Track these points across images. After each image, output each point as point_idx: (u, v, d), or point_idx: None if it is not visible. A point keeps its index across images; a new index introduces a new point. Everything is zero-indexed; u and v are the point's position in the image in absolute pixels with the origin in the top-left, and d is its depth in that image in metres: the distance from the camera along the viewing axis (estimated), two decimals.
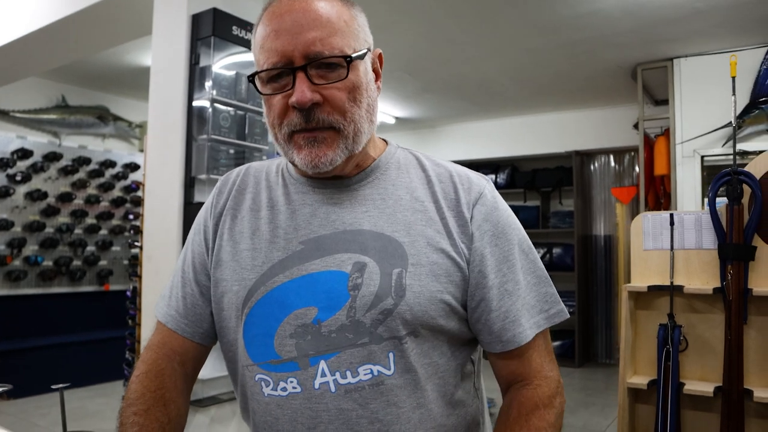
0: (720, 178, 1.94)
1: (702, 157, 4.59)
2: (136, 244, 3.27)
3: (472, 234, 0.96)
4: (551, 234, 6.69)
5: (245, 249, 1.00)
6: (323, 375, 0.91)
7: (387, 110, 6.61)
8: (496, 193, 1.03)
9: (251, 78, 0.95)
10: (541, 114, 6.76)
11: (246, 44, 2.82)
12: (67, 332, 5.52)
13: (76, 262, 5.73)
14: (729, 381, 1.90)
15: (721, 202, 1.99)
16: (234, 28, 2.77)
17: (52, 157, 5.58)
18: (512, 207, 1.13)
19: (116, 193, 6.05)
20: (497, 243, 0.97)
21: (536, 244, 6.34)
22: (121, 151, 6.20)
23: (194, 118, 2.69)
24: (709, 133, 4.46)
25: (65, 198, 5.64)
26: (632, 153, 6.54)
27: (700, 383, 1.97)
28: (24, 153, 5.37)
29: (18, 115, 5.59)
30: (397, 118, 6.96)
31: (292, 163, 0.98)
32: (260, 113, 2.89)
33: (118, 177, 6.05)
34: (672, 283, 1.99)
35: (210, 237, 1.05)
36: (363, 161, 1.01)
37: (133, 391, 0.97)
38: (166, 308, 1.06)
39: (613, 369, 6.37)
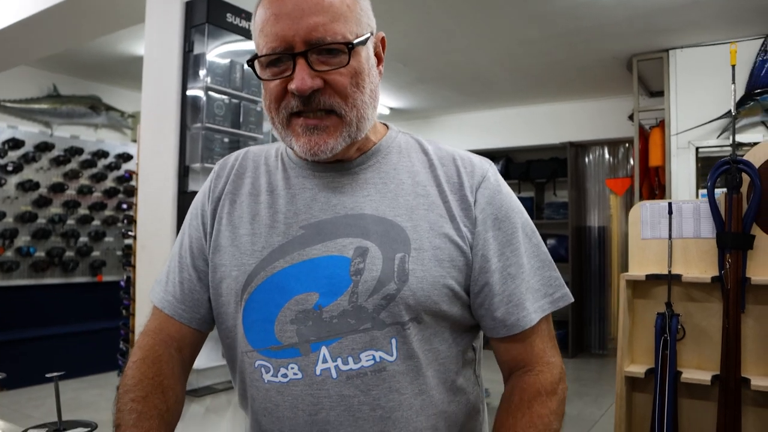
0: (719, 167, 1.94)
1: (697, 148, 4.59)
2: (129, 233, 3.24)
3: (476, 218, 0.95)
4: (545, 225, 6.70)
5: (244, 234, 0.98)
6: (324, 361, 0.89)
7: (381, 101, 6.59)
8: (499, 176, 1.01)
9: (250, 62, 0.93)
10: (535, 105, 6.75)
11: (241, 32, 2.79)
12: (60, 323, 5.49)
13: (69, 253, 5.69)
14: (726, 369, 1.90)
15: (718, 192, 1.99)
16: (228, 15, 2.74)
17: (44, 147, 5.53)
18: None
19: (109, 183, 6.00)
20: (500, 227, 0.96)
21: None
22: (113, 141, 6.15)
23: (188, 107, 2.66)
24: (704, 124, 4.46)
25: (57, 188, 5.60)
26: (627, 144, 6.54)
27: (698, 372, 1.97)
28: (15, 143, 5.32)
29: (9, 104, 5.53)
30: (391, 108, 6.93)
31: (291, 148, 0.96)
32: (255, 102, 2.87)
33: (110, 167, 6.00)
34: (670, 272, 1.99)
35: (208, 222, 1.03)
36: (364, 145, 0.99)
37: (130, 378, 0.95)
38: (162, 293, 1.04)
39: (606, 359, 6.41)
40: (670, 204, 2.02)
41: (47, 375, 1.33)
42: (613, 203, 6.80)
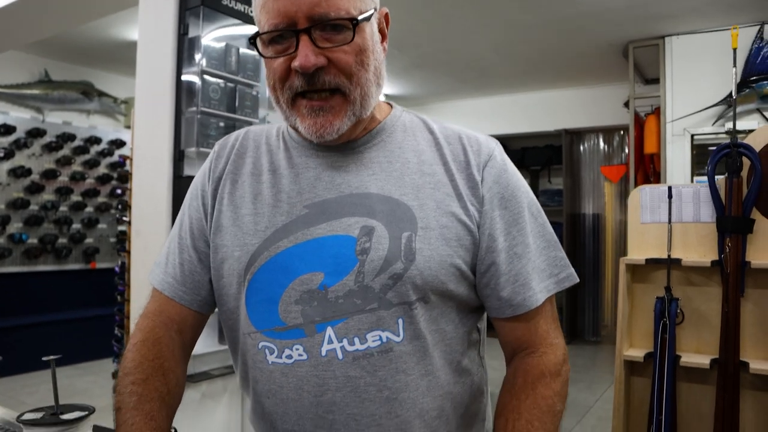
0: (720, 151, 1.93)
1: (692, 135, 4.59)
2: (124, 219, 3.21)
3: (483, 197, 0.93)
4: None
5: (247, 214, 0.96)
6: (330, 342, 0.88)
7: None
8: (505, 155, 1.00)
9: (252, 39, 0.91)
10: (530, 92, 6.73)
11: (236, 15, 2.76)
12: (54, 310, 5.46)
13: (62, 240, 5.65)
14: (725, 353, 1.90)
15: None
16: None
17: (36, 133, 5.47)
18: None
19: (102, 170, 5.95)
20: (507, 206, 0.95)
21: None
22: (106, 128, 6.09)
23: (183, 91, 2.63)
24: (700, 111, 4.46)
25: (50, 175, 5.54)
26: (622, 132, 6.54)
27: (696, 356, 1.98)
28: (6, 129, 5.26)
29: (0, 90, 5.47)
30: (386, 95, 6.90)
31: (295, 128, 0.94)
32: (251, 86, 2.84)
33: (103, 154, 5.95)
34: (669, 256, 1.99)
35: (209, 202, 1.01)
36: (369, 124, 0.98)
37: (130, 360, 0.94)
38: (162, 275, 1.03)
39: (599, 346, 6.44)
40: (669, 188, 2.02)
41: (44, 358, 1.31)
42: (608, 191, 6.80)
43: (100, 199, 5.93)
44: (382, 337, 0.88)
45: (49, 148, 5.55)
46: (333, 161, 0.95)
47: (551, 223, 1.03)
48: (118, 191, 3.47)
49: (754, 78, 4.31)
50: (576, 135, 6.79)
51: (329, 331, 0.88)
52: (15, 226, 5.33)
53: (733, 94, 2.20)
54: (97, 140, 5.90)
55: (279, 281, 0.91)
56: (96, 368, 5.19)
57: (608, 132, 6.70)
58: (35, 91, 5.64)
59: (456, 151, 0.96)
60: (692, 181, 4.59)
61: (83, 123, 5.95)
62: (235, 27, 2.79)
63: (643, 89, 5.38)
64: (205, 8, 2.64)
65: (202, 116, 2.62)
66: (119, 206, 3.38)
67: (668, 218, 2.00)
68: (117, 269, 3.37)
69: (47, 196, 5.55)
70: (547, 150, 6.79)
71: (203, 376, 2.62)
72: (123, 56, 5.32)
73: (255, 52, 2.84)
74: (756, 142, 1.89)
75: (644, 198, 2.04)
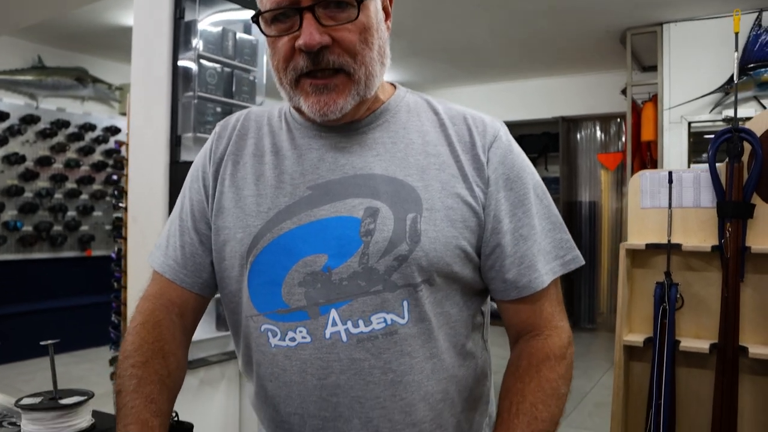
0: (721, 136, 1.93)
1: (689, 123, 4.58)
2: (120, 205, 3.19)
3: (488, 178, 0.92)
4: None
5: (249, 195, 0.95)
6: (334, 324, 0.87)
7: None
8: (510, 136, 0.99)
9: (255, 18, 0.89)
10: (527, 79, 6.70)
11: None
12: (49, 298, 5.45)
13: (57, 228, 5.62)
14: (724, 338, 1.91)
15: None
16: None
17: (30, 119, 5.43)
18: None
19: (97, 157, 5.92)
20: (512, 187, 0.94)
21: None
22: (100, 115, 6.05)
23: (179, 75, 2.60)
24: (697, 98, 4.45)
25: (44, 162, 5.50)
26: (619, 119, 6.53)
27: (695, 341, 1.98)
28: (0, 115, 5.22)
29: None
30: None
31: (297, 109, 0.93)
32: (248, 71, 2.82)
33: (98, 141, 5.91)
34: (669, 241, 1.98)
35: (210, 184, 1.00)
36: (373, 105, 0.96)
37: (130, 343, 0.93)
38: (163, 257, 1.01)
39: (595, 333, 6.47)
40: (670, 173, 2.01)
41: (42, 342, 1.29)
42: (604, 179, 6.81)
43: (95, 187, 5.90)
44: (386, 319, 0.87)
45: (43, 134, 5.52)
46: (336, 142, 0.94)
47: None
48: (114, 177, 3.44)
49: (752, 65, 4.30)
50: (573, 123, 6.78)
51: (333, 313, 0.87)
52: (9, 214, 5.31)
53: (735, 78, 2.19)
54: (91, 127, 5.86)
55: (282, 263, 0.90)
56: (92, 356, 5.18)
57: (605, 120, 6.69)
58: (28, 78, 5.58)
59: (461, 131, 0.95)
60: (689, 168, 4.59)
61: (77, 110, 5.90)
62: (232, 11, 2.77)
63: (640, 76, 5.36)
64: None
65: (199, 101, 2.59)
66: (115, 193, 3.35)
67: (668, 203, 2.00)
68: (113, 256, 3.35)
69: (42, 183, 5.52)
70: (543, 137, 6.78)
71: (201, 363, 2.62)
72: (118, 42, 5.26)
73: (252, 37, 2.83)
74: (757, 127, 1.89)
75: (644, 183, 2.04)
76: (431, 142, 0.94)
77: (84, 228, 5.82)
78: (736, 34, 2.21)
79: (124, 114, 5.72)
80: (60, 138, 5.65)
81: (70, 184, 5.71)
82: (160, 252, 1.02)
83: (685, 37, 4.61)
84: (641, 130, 4.87)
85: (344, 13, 0.85)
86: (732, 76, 4.31)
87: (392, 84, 1.03)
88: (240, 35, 2.78)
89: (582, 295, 6.72)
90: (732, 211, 1.86)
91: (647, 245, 2.02)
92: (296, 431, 0.93)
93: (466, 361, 0.96)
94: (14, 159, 5.29)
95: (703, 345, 1.95)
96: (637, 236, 2.05)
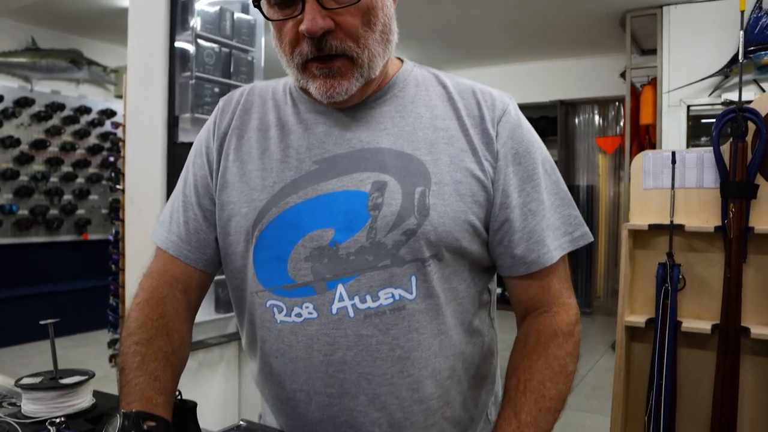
0: (725, 115, 1.91)
1: (688, 106, 4.57)
2: (117, 187, 3.16)
3: (497, 152, 0.91)
4: None
5: (254, 169, 0.93)
6: (341, 299, 0.86)
7: None
8: (519, 110, 0.97)
9: (256, 2, 0.87)
10: (525, 62, 6.67)
11: None
12: (46, 282, 5.43)
13: (53, 211, 5.58)
14: (726, 319, 1.91)
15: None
16: None
17: (24, 102, 5.37)
18: None
19: (92, 140, 5.87)
20: (521, 162, 0.92)
21: None
22: (96, 97, 5.99)
23: (176, 55, 2.57)
24: (697, 81, 4.43)
25: (39, 145, 5.46)
26: (617, 103, 6.51)
27: (697, 321, 1.98)
28: None
29: None
30: None
31: (305, 89, 0.91)
32: (246, 51, 2.79)
33: (93, 124, 5.86)
34: (672, 221, 1.98)
35: (213, 158, 0.98)
36: (382, 82, 0.94)
37: (133, 320, 0.91)
38: (166, 234, 1.00)
39: (592, 317, 6.49)
40: (673, 153, 2.00)
41: (41, 322, 1.28)
42: (602, 163, 6.80)
43: (91, 170, 5.86)
44: (394, 294, 0.86)
45: (38, 117, 5.47)
46: (343, 116, 0.92)
47: None
48: (111, 159, 3.41)
49: (752, 48, 4.28)
50: (571, 106, 6.75)
51: (340, 288, 0.86)
52: (5, 197, 5.27)
53: (740, 57, 2.17)
54: (86, 110, 5.81)
55: (288, 238, 0.88)
56: (90, 339, 5.18)
57: (603, 103, 6.66)
58: (22, 60, 5.52)
59: (470, 105, 0.94)
60: None
61: (72, 92, 5.85)
62: None
63: (639, 60, 5.34)
64: None
65: (197, 82, 2.57)
66: (112, 174, 3.32)
67: (671, 184, 1.98)
68: (111, 238, 3.33)
69: (37, 166, 5.47)
70: (541, 121, 6.75)
71: (200, 345, 2.61)
72: (113, 24, 5.21)
73: (250, 17, 2.79)
74: (762, 107, 1.87)
75: (647, 164, 2.02)
76: (440, 116, 0.92)
77: (80, 212, 5.79)
78: (742, 12, 2.19)
79: (119, 97, 5.67)
80: (55, 121, 5.60)
81: (66, 168, 5.67)
82: (163, 228, 1.01)
83: (685, 20, 4.58)
84: (640, 113, 4.85)
85: None
86: (732, 59, 4.30)
87: (400, 58, 1.01)
88: (238, 15, 2.75)
89: (579, 279, 6.74)
90: (735, 191, 1.85)
91: (650, 226, 2.02)
92: (302, 408, 0.92)
93: (473, 339, 0.96)
94: (9, 142, 5.24)
95: (704, 326, 1.95)
96: (640, 217, 2.04)
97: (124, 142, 2.83)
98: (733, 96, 4.33)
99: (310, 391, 0.90)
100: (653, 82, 4.77)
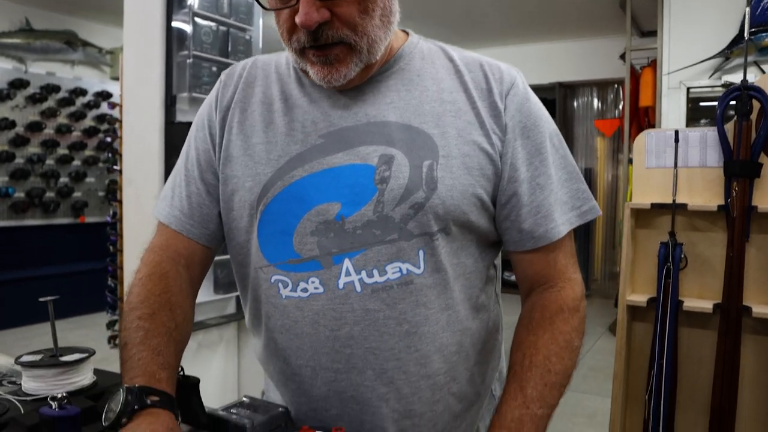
0: (729, 93, 1.90)
1: (688, 89, 4.54)
2: (114, 168, 3.14)
3: (506, 125, 0.89)
4: None
5: (258, 143, 0.92)
6: (348, 274, 0.85)
7: None
8: (527, 84, 0.96)
9: None
10: (524, 44, 6.62)
11: None
12: (43, 265, 5.41)
13: (50, 194, 5.55)
14: (728, 298, 1.91)
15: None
16: None
17: (19, 84, 5.31)
18: None
19: (88, 122, 5.82)
20: (529, 135, 0.91)
21: None
22: (91, 79, 5.94)
23: (174, 34, 2.54)
24: (698, 63, 4.40)
25: (34, 127, 5.41)
26: (616, 86, 6.48)
27: (699, 300, 1.98)
28: None
29: None
30: None
31: (305, 72, 0.89)
32: (244, 29, 2.75)
33: (89, 106, 5.81)
34: (674, 201, 1.97)
35: (216, 132, 0.96)
36: (384, 55, 0.92)
37: (135, 295, 0.90)
38: (168, 208, 0.98)
39: (590, 300, 6.51)
40: (676, 132, 1.98)
41: (41, 299, 1.27)
42: (600, 146, 6.78)
43: (87, 153, 5.81)
44: (402, 269, 0.85)
45: (33, 99, 5.41)
46: (348, 90, 0.91)
47: None
48: (108, 140, 3.38)
49: (753, 30, 4.24)
50: (570, 89, 6.72)
51: (347, 262, 0.85)
52: (1, 180, 5.24)
53: (746, 33, 2.15)
54: (82, 92, 5.76)
55: (293, 212, 0.87)
56: (88, 322, 5.18)
57: (602, 86, 6.64)
58: (16, 41, 5.46)
59: (477, 78, 0.92)
60: None
61: (67, 74, 5.79)
62: None
63: (638, 42, 5.30)
64: None
65: (194, 61, 2.54)
66: (109, 155, 3.29)
67: (674, 163, 1.97)
68: (109, 219, 3.31)
69: (33, 149, 5.43)
70: None
71: (199, 326, 2.61)
72: (107, 5, 5.15)
73: None
74: (767, 86, 1.86)
75: (650, 142, 2.01)
76: (446, 89, 0.91)
77: (77, 194, 5.75)
78: None
79: (115, 79, 5.62)
80: (50, 103, 5.55)
81: (62, 150, 5.63)
82: (165, 203, 0.99)
83: (686, 1, 4.54)
84: (639, 95, 4.83)
85: None
86: (733, 40, 4.27)
87: (405, 31, 0.99)
88: None
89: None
90: (739, 170, 1.84)
91: (652, 205, 2.01)
92: (307, 383, 0.91)
93: (479, 314, 0.95)
94: (4, 124, 5.20)
95: (706, 305, 1.95)
96: (642, 196, 2.03)
97: (121, 122, 2.80)
98: (733, 78, 4.31)
99: (316, 367, 0.89)
100: (653, 64, 4.74)
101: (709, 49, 4.34)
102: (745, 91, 1.84)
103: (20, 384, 1.16)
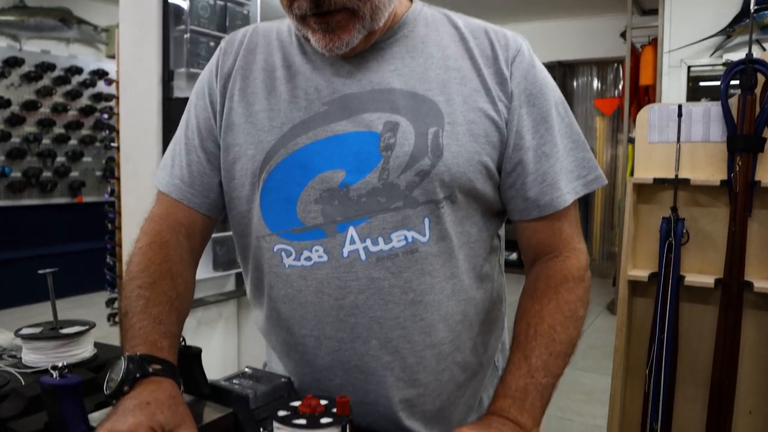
0: (734, 67, 1.88)
1: (689, 67, 4.51)
2: (112, 145, 3.11)
3: (511, 92, 0.88)
4: None
5: (261, 110, 0.90)
6: (352, 242, 0.84)
7: None
8: (532, 51, 0.94)
9: None
10: (523, 22, 6.56)
11: None
12: (40, 245, 5.39)
13: (46, 174, 5.51)
14: (730, 273, 1.91)
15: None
16: None
17: (13, 62, 5.25)
18: None
19: (84, 101, 5.77)
20: (535, 103, 0.89)
21: None
22: (87, 57, 5.88)
23: (170, 9, 2.50)
24: (699, 41, 4.37)
25: (30, 106, 5.36)
26: (616, 64, 6.44)
27: (700, 276, 1.98)
28: None
29: None
30: None
31: (307, 40, 0.87)
32: (241, 4, 2.72)
33: (85, 84, 5.76)
34: (677, 176, 1.96)
35: (217, 100, 0.95)
36: (388, 22, 0.90)
37: (135, 264, 0.89)
38: (168, 177, 0.97)
39: None
40: (680, 106, 1.97)
41: (40, 271, 1.26)
42: (600, 126, 6.76)
43: (84, 132, 5.77)
44: (407, 237, 0.84)
45: (28, 78, 5.36)
46: (351, 57, 0.89)
47: None
48: (105, 116, 3.35)
49: (756, 8, 4.20)
50: (569, 68, 6.68)
51: (351, 231, 0.84)
52: None
53: (751, 7, 2.13)
54: (78, 70, 5.70)
55: (297, 180, 0.86)
56: (86, 301, 5.17)
57: (602, 65, 6.59)
58: (9, 18, 5.39)
59: (483, 45, 0.90)
60: None
61: (62, 52, 5.73)
62: None
63: (639, 20, 5.26)
64: None
65: (192, 35, 2.50)
66: (107, 131, 3.26)
67: (677, 137, 1.96)
68: (107, 196, 3.29)
69: (29, 128, 5.39)
70: None
71: (198, 303, 2.60)
72: None
73: None
74: None
75: (653, 117, 1.99)
76: (452, 56, 0.89)
77: (74, 174, 5.71)
78: None
79: (111, 57, 5.56)
80: (46, 81, 5.49)
81: (58, 129, 5.58)
82: (165, 172, 0.98)
83: None
84: (640, 74, 4.80)
85: None
86: (734, 19, 4.23)
87: None
88: None
89: None
90: (743, 144, 1.83)
91: (654, 180, 2.00)
92: (311, 353, 0.90)
93: (483, 284, 0.94)
94: None
95: (708, 280, 1.95)
96: (644, 171, 2.02)
97: (118, 99, 2.77)
98: (734, 56, 4.27)
99: (320, 336, 0.88)
100: (654, 43, 4.70)
101: (710, 28, 4.31)
102: (750, 65, 1.82)
103: (20, 357, 1.15)
